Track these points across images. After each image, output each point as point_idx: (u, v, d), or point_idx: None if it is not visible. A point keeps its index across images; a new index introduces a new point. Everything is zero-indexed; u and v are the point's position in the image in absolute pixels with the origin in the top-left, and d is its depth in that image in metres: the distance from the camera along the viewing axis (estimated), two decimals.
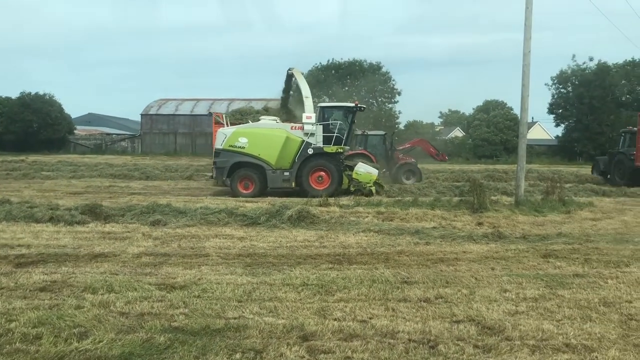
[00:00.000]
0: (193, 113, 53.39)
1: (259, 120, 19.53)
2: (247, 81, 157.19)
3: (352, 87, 46.84)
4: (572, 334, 5.47)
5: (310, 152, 18.13)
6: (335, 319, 5.80)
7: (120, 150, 52.92)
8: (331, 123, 18.58)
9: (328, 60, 47.80)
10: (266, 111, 23.35)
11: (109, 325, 5.51)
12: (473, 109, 63.95)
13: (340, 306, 6.26)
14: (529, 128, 20.19)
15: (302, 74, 19.81)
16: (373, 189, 17.83)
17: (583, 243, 10.13)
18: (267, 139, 18.19)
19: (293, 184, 18.08)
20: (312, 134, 18.13)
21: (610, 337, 5.41)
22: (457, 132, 67.00)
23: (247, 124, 19.79)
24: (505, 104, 56.32)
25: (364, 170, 18.24)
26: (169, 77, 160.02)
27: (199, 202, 15.31)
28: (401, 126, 48.70)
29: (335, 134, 18.27)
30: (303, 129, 18.14)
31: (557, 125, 54.63)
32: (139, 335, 5.24)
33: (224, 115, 21.16)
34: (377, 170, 18.78)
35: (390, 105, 46.96)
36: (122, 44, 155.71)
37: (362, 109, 19.33)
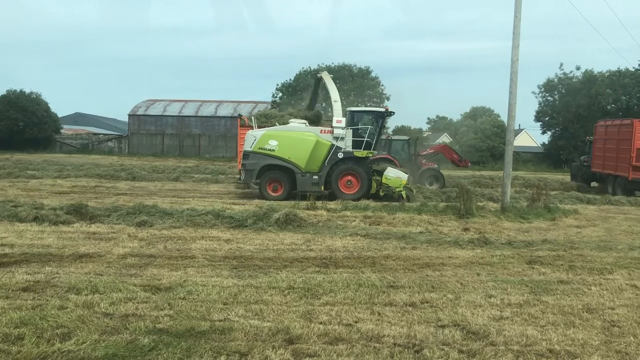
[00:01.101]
0: (181, 114, 53.19)
1: (288, 123, 19.47)
2: (236, 83, 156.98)
3: (341, 91, 46.92)
4: (555, 339, 5.52)
5: (340, 156, 18.11)
6: (320, 323, 5.80)
7: (107, 150, 52.56)
8: (361, 127, 18.61)
9: (318, 65, 47.88)
10: (290, 115, 23.31)
11: (92, 326, 5.46)
12: (460, 115, 64.34)
13: (326, 310, 6.26)
14: (515, 135, 20.43)
15: (332, 78, 19.77)
16: (403, 193, 17.73)
17: (567, 250, 10.22)
18: (297, 142, 18.15)
19: (322, 188, 18.04)
20: (342, 138, 18.12)
21: (593, 343, 5.46)
22: (445, 138, 67.38)
23: (277, 126, 19.73)
24: (493, 110, 56.72)
25: (394, 175, 18.18)
26: (157, 77, 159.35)
27: (185, 204, 15.23)
28: (389, 130, 48.92)
29: (365, 139, 18.27)
30: (333, 132, 18.14)
31: (544, 132, 55.08)
32: (123, 337, 5.20)
33: (252, 118, 21.09)
34: (406, 175, 18.73)
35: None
36: (110, 43, 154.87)
37: (392, 113, 19.38)
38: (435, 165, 24.38)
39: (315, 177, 18.05)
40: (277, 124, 20.81)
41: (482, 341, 5.42)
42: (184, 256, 8.92)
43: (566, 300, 6.94)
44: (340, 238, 10.81)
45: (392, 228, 12.16)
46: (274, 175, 18.15)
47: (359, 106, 19.31)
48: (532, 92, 54.00)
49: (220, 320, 5.79)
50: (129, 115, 54.23)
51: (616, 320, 6.20)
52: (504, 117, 17.10)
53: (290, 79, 48.04)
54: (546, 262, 9.14)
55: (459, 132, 55.24)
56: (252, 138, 18.30)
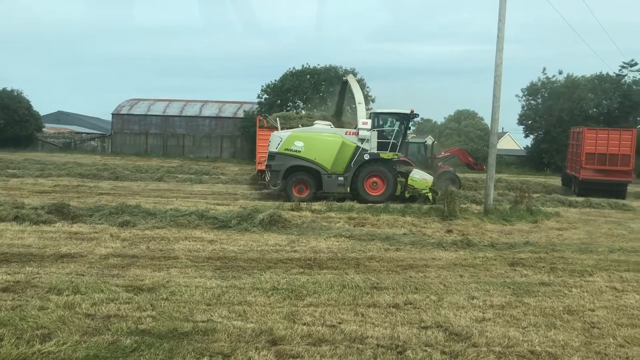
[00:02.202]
0: (165, 114, 52.81)
1: (313, 124, 19.46)
2: (221, 83, 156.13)
3: (327, 93, 46.92)
4: (537, 341, 5.57)
5: (366, 158, 18.15)
6: (304, 324, 5.80)
7: (90, 149, 52.01)
8: (385, 129, 18.64)
9: (303, 65, 47.83)
10: (309, 117, 23.37)
11: (73, 327, 5.40)
12: (444, 118, 64.68)
13: (310, 311, 6.26)
14: (499, 138, 20.90)
15: (357, 80, 19.77)
16: (430, 195, 17.76)
17: (549, 252, 10.33)
18: (324, 144, 18.19)
19: (348, 189, 18.04)
20: (367, 140, 18.15)
21: (574, 345, 5.52)
22: (429, 141, 67.76)
23: (302, 127, 19.70)
24: (477, 114, 57.12)
25: (420, 177, 18.20)
26: (141, 77, 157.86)
27: (169, 204, 15.13)
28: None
29: (391, 141, 18.32)
30: (358, 134, 18.16)
31: (526, 136, 55.58)
32: (105, 338, 5.16)
33: (277, 119, 21.06)
34: (432, 177, 18.77)
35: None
36: (94, 41, 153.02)
37: (417, 115, 19.43)
38: (452, 168, 24.38)
39: (341, 178, 18.13)
40: (299, 125, 20.87)
41: (465, 342, 5.46)
42: (167, 257, 8.86)
43: (547, 302, 7.02)
44: (324, 239, 10.81)
45: (376, 229, 12.20)
46: (300, 177, 18.22)
47: (410, 109, 19.18)
48: (516, 96, 54.40)
49: (203, 321, 5.76)
50: (113, 114, 53.74)
51: (596, 322, 6.28)
52: (487, 120, 17.42)
53: (275, 80, 47.89)
54: (528, 264, 9.23)
55: (443, 134, 55.57)
56: (278, 139, 18.32)
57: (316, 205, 15.41)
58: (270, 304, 6.51)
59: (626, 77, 50.59)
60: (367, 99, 47.64)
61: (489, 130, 18.39)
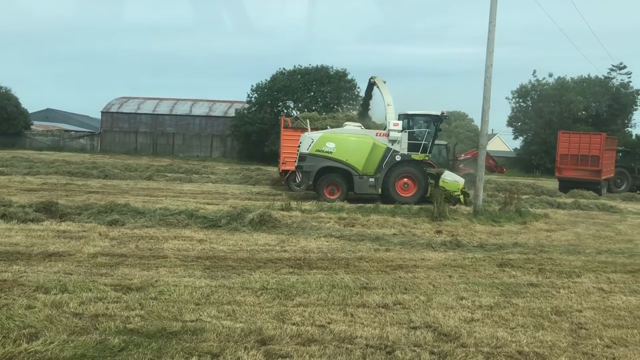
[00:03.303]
0: (155, 112, 52.60)
1: (343, 126, 19.46)
2: (211, 82, 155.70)
3: (317, 93, 46.93)
4: (525, 341, 5.61)
5: (398, 159, 18.20)
6: (293, 324, 5.79)
7: (79, 147, 51.63)
8: (416, 131, 18.66)
9: (294, 66, 47.80)
10: (333, 118, 23.38)
11: (61, 326, 5.36)
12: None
13: (299, 311, 6.26)
14: (488, 140, 21.21)
15: (384, 82, 19.77)
16: (462, 197, 17.78)
17: (537, 253, 10.39)
18: (355, 145, 18.24)
19: (379, 190, 18.07)
20: (398, 141, 18.18)
21: (561, 345, 5.56)
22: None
23: (333, 129, 19.69)
24: (467, 115, 57.34)
25: (451, 179, 18.21)
26: (131, 75, 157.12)
27: (158, 203, 15.07)
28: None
29: (423, 142, 18.37)
30: (388, 135, 18.21)
31: (516, 137, 55.99)
32: (93, 337, 5.12)
33: (307, 121, 21.04)
34: (463, 179, 18.79)
35: (355, 112, 47.33)
36: (84, 39, 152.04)
37: (447, 117, 19.47)
38: (472, 170, 24.44)
39: (372, 179, 18.21)
40: (328, 126, 20.88)
41: (453, 343, 5.48)
42: (156, 256, 8.82)
43: (536, 303, 7.06)
44: (314, 239, 10.81)
45: (366, 230, 12.22)
46: (331, 178, 18.28)
47: (441, 110, 19.21)
48: (506, 98, 54.80)
49: (192, 321, 5.74)
50: (102, 112, 53.45)
51: (583, 323, 6.33)
52: (477, 122, 17.53)
53: (266, 80, 47.84)
54: (517, 265, 9.28)
55: None
56: (309, 140, 18.36)
57: (306, 205, 15.40)
58: (259, 303, 6.50)
59: (614, 80, 51.06)
60: (359, 99, 47.77)
61: (478, 132, 18.48)
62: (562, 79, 51.70)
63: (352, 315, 6.21)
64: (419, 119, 19.10)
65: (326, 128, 20.42)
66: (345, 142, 18.28)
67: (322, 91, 46.96)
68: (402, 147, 18.33)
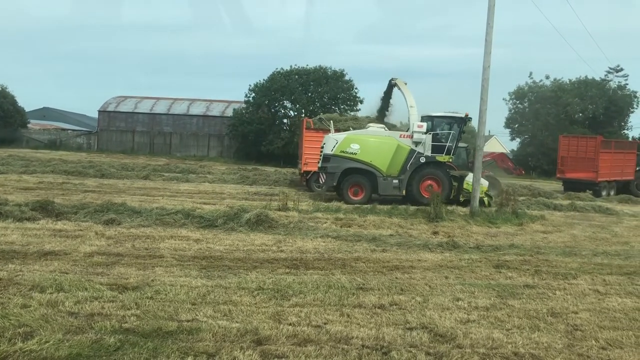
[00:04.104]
0: (152, 112, 52.53)
1: (367, 127, 19.45)
2: (208, 82, 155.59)
3: (315, 93, 46.94)
4: (520, 343, 5.61)
5: (422, 161, 18.23)
6: (290, 324, 5.79)
7: (76, 146, 51.50)
8: (440, 132, 18.68)
9: (291, 66, 47.79)
10: (354, 119, 23.42)
11: (56, 325, 5.35)
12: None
13: (296, 311, 6.25)
14: (485, 141, 21.35)
15: (406, 83, 19.79)
16: (486, 199, 17.76)
17: (534, 255, 10.41)
18: (379, 146, 18.27)
19: (404, 192, 18.08)
20: (421, 143, 18.18)
21: (557, 347, 5.57)
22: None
23: (357, 130, 19.68)
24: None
25: None
26: (128, 74, 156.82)
27: (155, 202, 15.05)
28: None
29: (447, 144, 18.37)
30: (412, 137, 18.23)
31: (513, 139, 56.12)
32: (88, 336, 5.11)
33: (331, 122, 21.03)
34: (487, 182, 18.80)
35: (352, 113, 47.36)
36: (81, 37, 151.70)
37: (471, 119, 19.50)
38: (491, 173, 24.38)
39: (396, 181, 18.22)
40: (351, 128, 20.87)
41: (449, 344, 5.48)
42: (152, 255, 8.81)
43: (531, 304, 7.07)
44: (311, 239, 10.81)
45: (362, 230, 12.22)
46: (355, 179, 18.29)
47: (465, 112, 19.24)
48: (503, 99, 54.93)
49: (188, 321, 5.73)
50: (99, 111, 53.33)
51: (579, 324, 6.34)
52: (474, 123, 17.57)
53: (264, 80, 47.82)
54: (513, 266, 9.30)
55: None
56: (334, 141, 18.37)
57: (303, 206, 15.40)
58: (255, 303, 6.49)
59: (611, 83, 51.19)
60: (356, 100, 47.82)
61: (475, 133, 18.51)
62: (558, 80, 51.88)
63: (348, 315, 6.21)
64: (443, 121, 19.12)
65: (348, 129, 20.46)
66: (370, 143, 18.32)
67: (319, 92, 46.98)
68: (426, 149, 18.36)
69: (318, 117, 24.85)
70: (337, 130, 20.57)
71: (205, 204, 15.79)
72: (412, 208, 15.65)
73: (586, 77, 51.20)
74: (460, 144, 26.71)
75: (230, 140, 49.70)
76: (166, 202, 15.34)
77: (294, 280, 7.60)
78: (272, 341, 5.29)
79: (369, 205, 16.45)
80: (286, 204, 14.55)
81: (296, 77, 46.79)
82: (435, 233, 12.40)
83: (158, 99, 54.41)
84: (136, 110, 52.67)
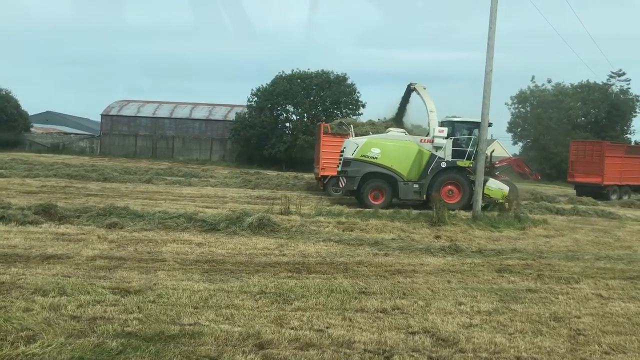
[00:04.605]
0: (155, 115, 52.66)
1: (387, 132, 19.49)
2: (211, 86, 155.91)
3: (317, 97, 47.02)
4: (523, 347, 5.60)
5: (443, 166, 18.25)
6: (292, 328, 5.79)
7: (79, 150, 51.67)
8: (460, 137, 18.72)
9: (293, 70, 47.89)
10: (371, 124, 23.47)
11: (59, 329, 5.35)
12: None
13: (298, 315, 6.25)
14: (488, 145, 21.42)
15: (424, 88, 19.83)
16: (507, 205, 17.77)
17: (536, 259, 10.38)
18: (400, 151, 18.31)
19: (424, 197, 18.06)
20: (442, 148, 18.21)
21: (559, 351, 5.56)
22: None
23: (377, 134, 19.72)
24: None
25: (496, 186, 18.23)
26: (131, 78, 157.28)
27: (157, 206, 15.07)
28: None
29: (468, 149, 18.38)
30: (433, 142, 18.25)
31: (515, 143, 56.14)
32: (90, 340, 5.11)
33: (351, 126, 21.12)
34: (507, 187, 18.76)
35: (355, 117, 47.40)
36: (84, 41, 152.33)
37: (491, 124, 19.52)
38: (507, 178, 24.38)
39: (416, 185, 18.23)
40: (370, 132, 20.89)
41: (452, 348, 5.47)
42: (154, 259, 8.81)
43: (534, 309, 7.05)
44: (313, 243, 10.80)
45: (365, 234, 12.20)
46: (376, 183, 18.30)
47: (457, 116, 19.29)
48: (505, 104, 54.94)
49: (190, 325, 5.73)
50: (102, 115, 53.53)
51: (582, 329, 6.32)
52: None
53: (266, 84, 47.91)
54: (515, 270, 9.28)
55: None
56: (354, 145, 18.40)
57: (305, 209, 15.39)
58: (257, 307, 6.49)
59: (613, 87, 51.16)
60: (359, 104, 47.86)
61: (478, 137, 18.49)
62: (559, 84, 51.86)
63: (350, 319, 6.20)
64: (463, 126, 19.14)
65: (367, 134, 20.45)
66: (391, 148, 18.34)
67: (322, 95, 47.05)
68: (447, 154, 18.37)
69: (338, 121, 24.91)
70: (344, 135, 20.59)
71: (207, 207, 15.81)
72: (415, 212, 15.63)
73: (588, 81, 51.19)
74: None
75: (232, 144, 49.80)
76: (168, 206, 15.36)
77: (296, 284, 7.59)
78: (274, 345, 5.28)
79: (370, 209, 16.44)
80: (288, 207, 14.54)
81: (298, 81, 46.87)
82: (437, 237, 12.38)
83: (161, 102, 54.57)
84: (139, 114, 52.82)
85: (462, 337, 5.77)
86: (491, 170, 23.81)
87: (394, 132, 19.21)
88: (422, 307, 6.86)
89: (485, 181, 18.35)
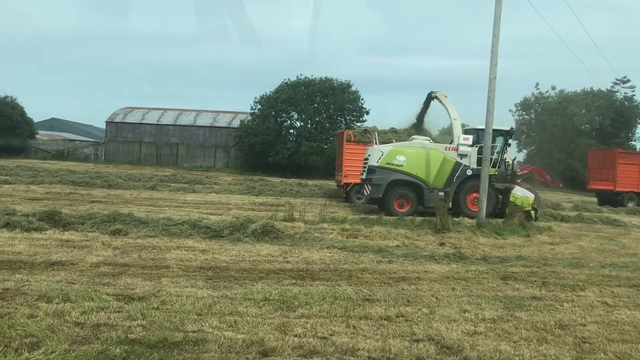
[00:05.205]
0: (159, 122, 52.83)
1: (411, 139, 19.51)
2: (215, 93, 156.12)
3: (321, 105, 47.11)
4: (528, 355, 5.56)
5: (469, 174, 18.21)
6: (295, 335, 5.77)
7: (83, 157, 51.84)
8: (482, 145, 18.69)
9: (297, 77, 48.01)
10: (393, 132, 23.59)
11: (62, 335, 5.35)
12: (438, 131, 65.04)
13: (302, 322, 6.23)
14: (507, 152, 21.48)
15: (445, 96, 19.85)
16: (533, 213, 17.74)
17: (541, 266, 10.34)
18: (426, 159, 18.30)
19: (450, 204, 17.99)
20: (467, 156, 18.22)
21: (565, 359, 5.52)
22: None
23: (401, 142, 19.75)
24: (467, 126, 57.27)
25: (521, 194, 18.21)
26: (135, 85, 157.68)
27: (161, 213, 15.09)
28: None
29: (494, 157, 18.35)
30: (457, 150, 18.29)
31: (519, 150, 56.03)
32: (94, 347, 5.11)
33: (375, 134, 21.23)
34: (533, 195, 18.72)
35: (358, 124, 47.47)
36: (89, 48, 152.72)
37: (515, 132, 19.49)
38: (529, 185, 24.32)
39: (442, 193, 18.20)
40: (393, 140, 20.91)
41: (456, 356, 5.44)
42: (158, 266, 8.81)
43: (539, 316, 7.02)
44: (317, 250, 10.79)
45: (369, 241, 12.18)
46: (401, 191, 18.27)
47: (511, 125, 19.32)
48: (509, 110, 54.91)
49: (194, 331, 5.72)
50: (107, 122, 53.72)
51: (587, 337, 6.28)
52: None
53: (270, 91, 48.04)
54: (520, 278, 9.24)
55: None
56: (379, 153, 18.43)
57: (309, 216, 15.38)
58: (261, 314, 6.48)
59: (618, 94, 51.11)
60: (363, 111, 47.90)
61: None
62: (563, 91, 51.84)
63: (354, 327, 6.18)
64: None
65: (390, 141, 20.46)
66: (416, 155, 18.32)
67: (325, 103, 47.13)
68: (472, 162, 18.33)
69: (363, 129, 25.04)
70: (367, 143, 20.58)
71: (211, 214, 15.82)
72: (419, 219, 15.60)
73: (592, 88, 51.15)
74: None
75: (236, 151, 49.87)
76: (173, 213, 15.37)
77: (299, 291, 7.58)
78: (278, 352, 5.27)
79: (375, 216, 16.42)
80: (292, 214, 14.53)
81: (302, 88, 46.97)
82: (441, 244, 12.35)
83: (165, 109, 54.75)
84: (143, 121, 53.00)
85: (466, 344, 5.74)
86: (513, 178, 23.77)
87: (419, 139, 19.19)
88: (426, 314, 6.83)
89: (511, 189, 18.33)
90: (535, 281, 9.04)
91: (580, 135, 48.72)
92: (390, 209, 18.06)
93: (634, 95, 50.72)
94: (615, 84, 51.23)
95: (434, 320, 6.60)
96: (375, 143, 19.69)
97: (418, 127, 22.78)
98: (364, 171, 19.16)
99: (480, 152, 18.39)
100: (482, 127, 19.16)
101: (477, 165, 18.28)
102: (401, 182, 18.28)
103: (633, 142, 51.20)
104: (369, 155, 18.88)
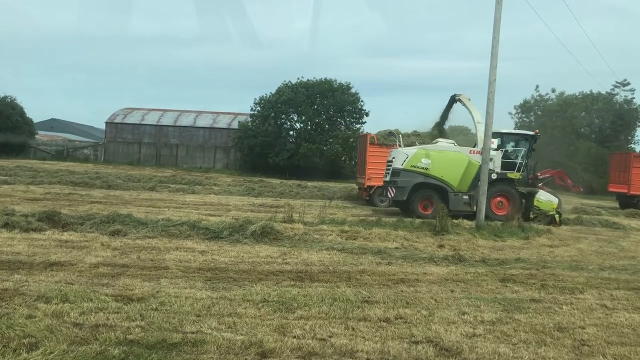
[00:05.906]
0: (159, 123, 52.83)
1: (436, 142, 19.51)
2: (215, 94, 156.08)
3: (321, 106, 47.13)
4: (527, 357, 5.56)
5: (493, 177, 18.12)
6: (294, 337, 5.77)
7: (83, 157, 51.82)
8: (510, 149, 18.77)
9: (298, 78, 48.04)
10: (416, 135, 23.65)
11: (61, 336, 5.35)
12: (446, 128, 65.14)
13: (300, 324, 6.23)
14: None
15: (469, 99, 19.82)
16: (557, 217, 17.73)
17: (540, 269, 10.34)
18: (451, 162, 18.35)
19: (474, 208, 17.85)
20: (491, 159, 18.06)
21: None
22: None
23: (426, 145, 19.73)
24: (470, 130, 57.31)
25: (545, 198, 18.24)
26: (135, 86, 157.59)
27: (160, 214, 15.08)
28: None
29: (518, 161, 18.37)
30: (482, 153, 18.17)
31: None
32: (93, 347, 5.10)
33: (400, 137, 21.25)
34: (557, 199, 18.72)
35: (358, 126, 47.46)
36: (89, 49, 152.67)
37: (540, 136, 19.52)
38: (551, 189, 24.34)
39: (466, 197, 18.24)
40: (416, 143, 20.95)
41: (455, 358, 5.44)
42: (157, 267, 8.81)
43: (538, 319, 7.02)
44: (316, 252, 10.79)
45: (368, 243, 12.18)
46: (426, 194, 18.31)
47: (535, 130, 19.39)
48: (509, 113, 54.94)
49: (192, 333, 5.72)
50: (106, 123, 53.71)
51: (586, 339, 6.28)
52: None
53: (270, 93, 48.07)
54: (519, 280, 9.24)
55: None
56: (404, 156, 18.43)
57: (308, 218, 15.38)
58: (260, 316, 6.47)
59: (617, 97, 51.16)
60: (362, 112, 47.91)
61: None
62: (563, 94, 51.87)
63: (353, 329, 6.17)
64: (512, 138, 19.12)
65: (413, 144, 20.47)
66: (441, 158, 18.35)
67: (325, 104, 47.15)
68: (496, 166, 18.30)
69: (388, 131, 25.15)
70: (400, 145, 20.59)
71: (210, 215, 15.82)
72: (418, 221, 15.60)
73: (591, 91, 51.19)
74: None
75: (236, 152, 49.88)
76: (172, 214, 15.37)
77: (298, 292, 7.58)
78: (277, 354, 5.27)
79: (374, 217, 16.42)
80: (291, 215, 14.53)
81: (302, 89, 46.99)
82: (441, 246, 12.35)
83: (165, 110, 54.76)
84: (143, 122, 53.00)
85: (465, 347, 5.74)
86: (534, 181, 23.70)
87: (443, 142, 19.18)
88: (425, 316, 6.83)
89: (535, 193, 18.33)
90: (534, 283, 9.04)
91: (580, 138, 48.71)
92: (414, 211, 18.05)
93: (634, 98, 50.79)
94: (615, 86, 51.32)
95: (432, 322, 6.60)
96: (400, 146, 19.69)
97: (440, 130, 22.82)
98: (388, 173, 19.14)
99: (505, 156, 18.41)
100: (507, 130, 19.24)
101: (501, 169, 18.27)
102: (426, 185, 18.31)
103: (632, 145, 51.25)
104: (393, 158, 18.87)
